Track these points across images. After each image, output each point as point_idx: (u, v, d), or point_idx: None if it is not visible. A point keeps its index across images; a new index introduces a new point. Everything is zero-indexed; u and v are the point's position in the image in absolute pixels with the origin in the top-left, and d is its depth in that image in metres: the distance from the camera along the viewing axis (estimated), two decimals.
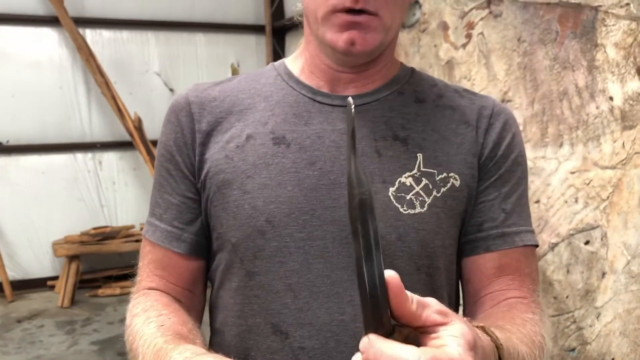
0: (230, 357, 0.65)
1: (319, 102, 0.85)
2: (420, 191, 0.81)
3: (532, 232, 0.87)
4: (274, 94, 0.87)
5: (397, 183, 0.80)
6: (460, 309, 0.93)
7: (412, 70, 0.92)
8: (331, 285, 0.78)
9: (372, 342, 0.48)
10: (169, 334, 0.73)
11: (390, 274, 0.49)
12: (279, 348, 0.80)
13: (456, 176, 0.83)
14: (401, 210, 0.79)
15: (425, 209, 0.80)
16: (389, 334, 0.49)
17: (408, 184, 0.81)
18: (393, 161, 0.81)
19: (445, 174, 0.82)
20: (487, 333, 0.63)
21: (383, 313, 0.49)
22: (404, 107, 0.86)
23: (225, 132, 0.85)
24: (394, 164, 0.81)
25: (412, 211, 0.80)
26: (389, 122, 0.84)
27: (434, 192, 0.81)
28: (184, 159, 0.85)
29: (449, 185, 0.82)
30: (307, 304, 0.79)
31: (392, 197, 0.80)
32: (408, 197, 0.80)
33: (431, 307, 0.51)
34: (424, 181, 0.81)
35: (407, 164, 0.81)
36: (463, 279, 0.89)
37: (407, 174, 0.81)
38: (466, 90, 0.92)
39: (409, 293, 0.50)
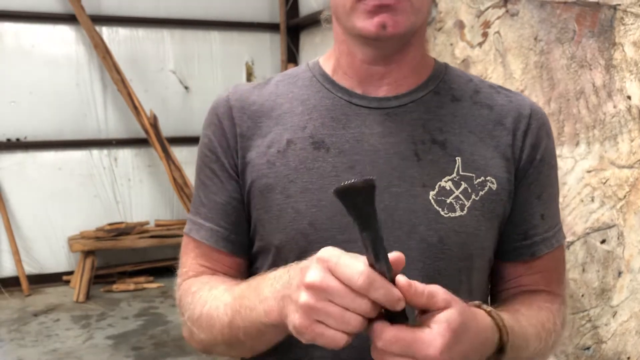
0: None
1: (355, 104, 0.86)
2: (460, 195, 0.83)
3: (561, 228, 0.91)
4: (311, 97, 0.88)
5: (437, 187, 0.82)
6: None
7: (446, 66, 0.92)
8: None
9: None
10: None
11: (398, 278, 0.59)
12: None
13: (493, 180, 0.84)
14: (442, 213, 0.81)
15: (465, 212, 0.82)
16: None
17: (448, 187, 0.82)
18: (432, 165, 0.83)
19: (482, 178, 0.84)
20: (492, 317, 0.71)
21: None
22: (441, 109, 0.87)
23: (265, 136, 0.86)
24: (434, 168, 0.83)
25: (452, 214, 0.82)
26: (426, 125, 0.85)
27: (473, 196, 0.83)
28: (229, 161, 0.87)
29: (486, 188, 0.84)
30: None
31: (432, 201, 0.81)
32: (448, 200, 0.82)
33: (438, 296, 0.61)
34: (463, 185, 0.83)
35: (446, 168, 0.83)
36: (497, 276, 0.91)
37: (447, 177, 0.83)
38: (501, 87, 0.92)
39: (420, 287, 0.61)
